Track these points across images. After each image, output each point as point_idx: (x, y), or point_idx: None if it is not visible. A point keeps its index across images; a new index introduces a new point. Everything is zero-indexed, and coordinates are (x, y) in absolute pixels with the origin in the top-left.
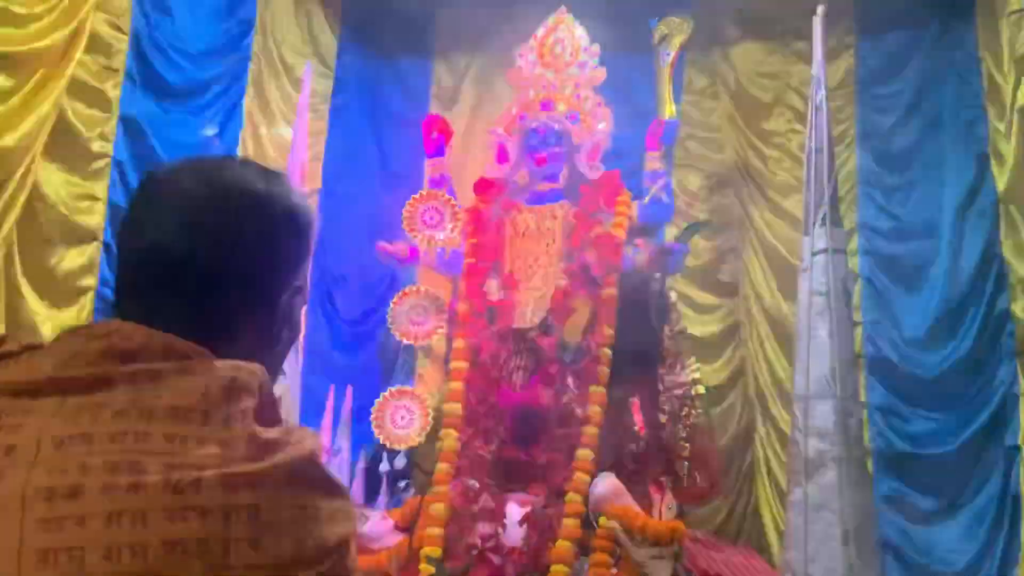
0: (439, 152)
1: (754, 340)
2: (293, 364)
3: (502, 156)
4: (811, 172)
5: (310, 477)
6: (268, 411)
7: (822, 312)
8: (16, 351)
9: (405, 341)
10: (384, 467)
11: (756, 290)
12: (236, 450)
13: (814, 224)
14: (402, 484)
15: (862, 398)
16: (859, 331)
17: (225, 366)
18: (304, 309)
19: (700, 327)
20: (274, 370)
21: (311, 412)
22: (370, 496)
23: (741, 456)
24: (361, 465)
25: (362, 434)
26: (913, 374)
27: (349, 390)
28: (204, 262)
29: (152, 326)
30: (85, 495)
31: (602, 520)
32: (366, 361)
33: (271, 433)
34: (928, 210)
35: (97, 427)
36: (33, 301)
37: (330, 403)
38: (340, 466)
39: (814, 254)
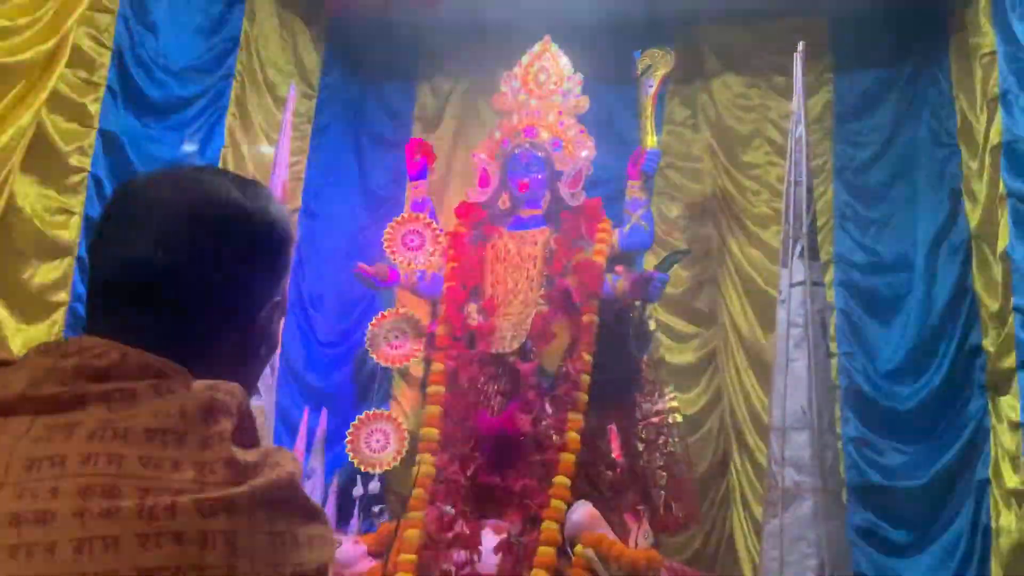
0: (421, 175)
1: (731, 369)
2: (268, 383)
3: (484, 181)
4: (790, 204)
5: (288, 501)
6: (246, 432)
7: (799, 343)
8: None
9: (382, 363)
10: (358, 491)
11: (733, 319)
12: (213, 474)
13: (792, 256)
14: (376, 509)
15: (838, 430)
16: (834, 362)
17: (202, 386)
18: (281, 324)
19: (677, 355)
20: (250, 387)
21: (285, 434)
22: (343, 520)
23: (716, 485)
24: (334, 488)
25: (336, 457)
26: (887, 406)
27: (324, 412)
28: (179, 278)
29: (125, 343)
30: (56, 521)
31: (578, 548)
32: (341, 383)
33: (249, 456)
34: (902, 244)
35: (69, 448)
36: (3, 314)
37: (304, 425)
38: (313, 489)
39: (792, 286)
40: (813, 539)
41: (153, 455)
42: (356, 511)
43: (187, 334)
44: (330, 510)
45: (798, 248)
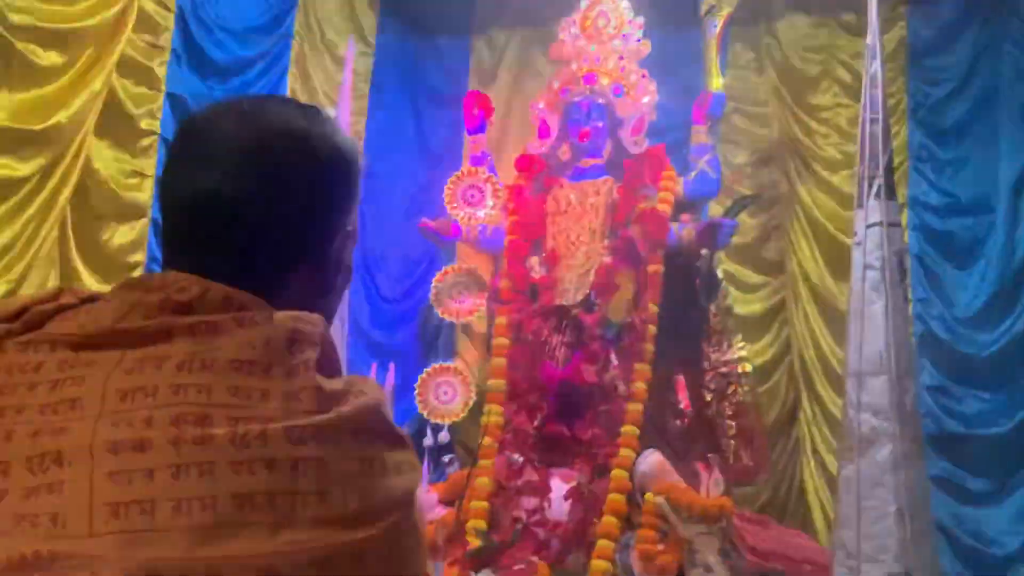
0: (480, 129)
1: (800, 319)
2: (339, 335)
3: (544, 131)
4: (865, 143)
5: (375, 428)
6: (330, 361)
7: (876, 286)
8: (74, 303)
9: (447, 318)
10: (428, 441)
11: (803, 267)
12: (300, 402)
13: (868, 197)
14: (446, 458)
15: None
16: (909, 309)
17: (285, 317)
18: (352, 254)
19: (745, 305)
20: (329, 318)
21: None
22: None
23: (786, 435)
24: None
25: (405, 411)
26: (965, 353)
27: (391, 368)
28: (251, 208)
29: (205, 277)
30: (153, 448)
31: (648, 496)
32: (406, 339)
33: (334, 384)
34: (982, 185)
35: (160, 379)
36: (86, 276)
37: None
38: None
39: (868, 227)
40: (891, 485)
41: (241, 385)
42: (427, 461)
43: (262, 267)
44: None
45: (874, 188)
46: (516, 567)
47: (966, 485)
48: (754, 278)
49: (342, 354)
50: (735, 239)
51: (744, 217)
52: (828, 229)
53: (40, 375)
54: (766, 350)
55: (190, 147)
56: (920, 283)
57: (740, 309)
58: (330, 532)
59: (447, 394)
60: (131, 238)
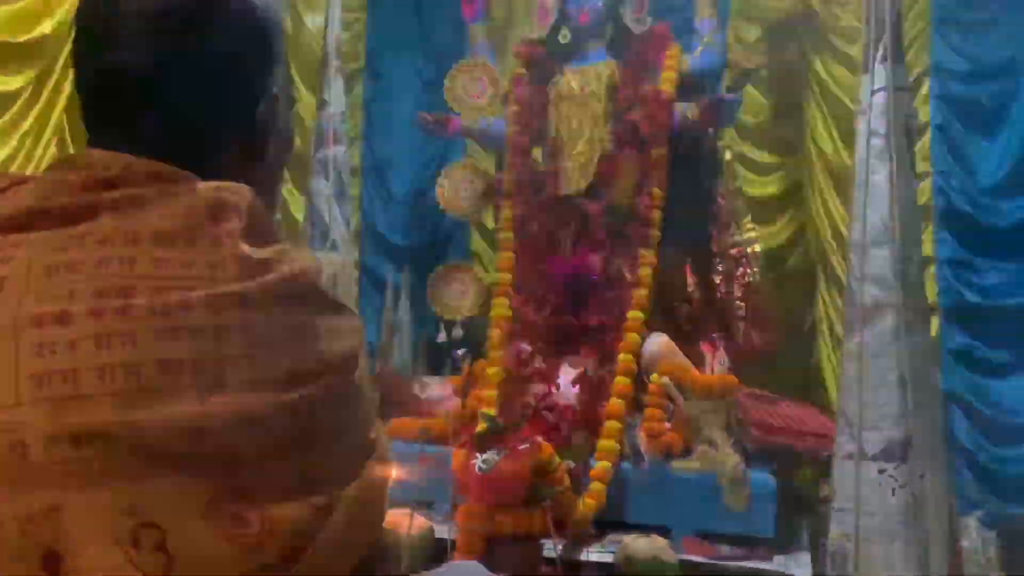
0: (479, 17)
1: (816, 198)
2: (345, 237)
3: (542, 15)
4: (871, 2)
5: (305, 295)
6: (258, 231)
7: (880, 155)
8: (4, 186)
9: (454, 215)
10: (442, 337)
11: (819, 146)
12: (224, 271)
13: (873, 61)
14: (459, 352)
15: (930, 252)
16: (929, 182)
17: (208, 187)
18: (290, 120)
19: (759, 188)
20: (267, 190)
21: (372, 291)
22: (435, 367)
23: (802, 316)
24: (424, 340)
25: (423, 312)
26: (987, 223)
27: (405, 269)
28: (165, 77)
29: (128, 152)
30: (74, 320)
31: (654, 377)
32: (421, 240)
33: (262, 253)
34: (1008, 48)
35: (84, 255)
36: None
37: (389, 283)
38: (403, 341)
39: (874, 93)
40: (894, 354)
41: (164, 256)
42: (444, 357)
43: (185, 136)
44: (422, 359)
45: (880, 51)
46: (521, 447)
47: (985, 357)
48: (769, 159)
49: (352, 255)
50: (749, 119)
51: (757, 96)
52: (845, 104)
53: None
54: (781, 232)
55: (93, 20)
56: (942, 155)
57: (755, 191)
58: (261, 394)
59: (459, 291)
60: None
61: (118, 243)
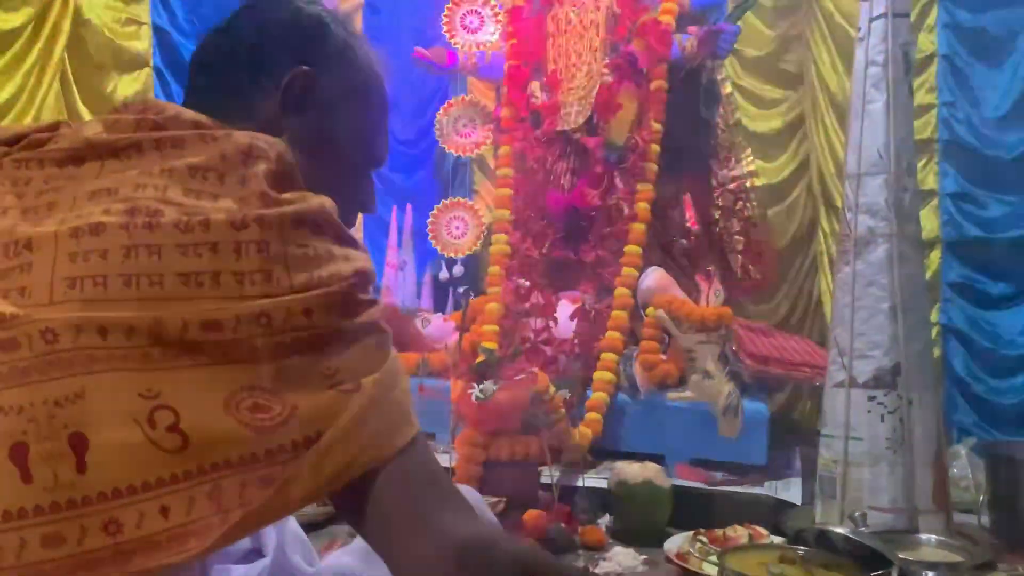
0: None
1: (819, 132)
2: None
3: None
4: None
5: (320, 225)
6: (284, 177)
7: (878, 83)
8: (54, 128)
9: (453, 152)
10: (444, 275)
11: (823, 78)
12: (248, 205)
13: None
14: (461, 290)
15: (934, 185)
16: (934, 113)
17: (243, 134)
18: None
19: (763, 122)
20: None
21: (376, 229)
22: (437, 304)
23: (804, 252)
24: (427, 279)
25: (426, 251)
26: (991, 156)
27: (408, 208)
28: (214, 50)
29: (187, 107)
30: (106, 232)
31: (649, 310)
32: (424, 180)
33: (285, 195)
34: None
35: (123, 181)
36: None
37: (393, 222)
38: (406, 280)
39: (872, 20)
40: (886, 284)
41: (195, 187)
42: (447, 295)
43: (224, 95)
44: (425, 298)
45: None
46: (517, 377)
47: (985, 289)
48: (773, 92)
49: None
50: (752, 51)
51: (760, 27)
52: (851, 34)
53: (29, 188)
54: (785, 167)
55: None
56: (947, 85)
57: (758, 126)
58: (276, 299)
59: (459, 228)
60: (135, 88)
61: (155, 174)
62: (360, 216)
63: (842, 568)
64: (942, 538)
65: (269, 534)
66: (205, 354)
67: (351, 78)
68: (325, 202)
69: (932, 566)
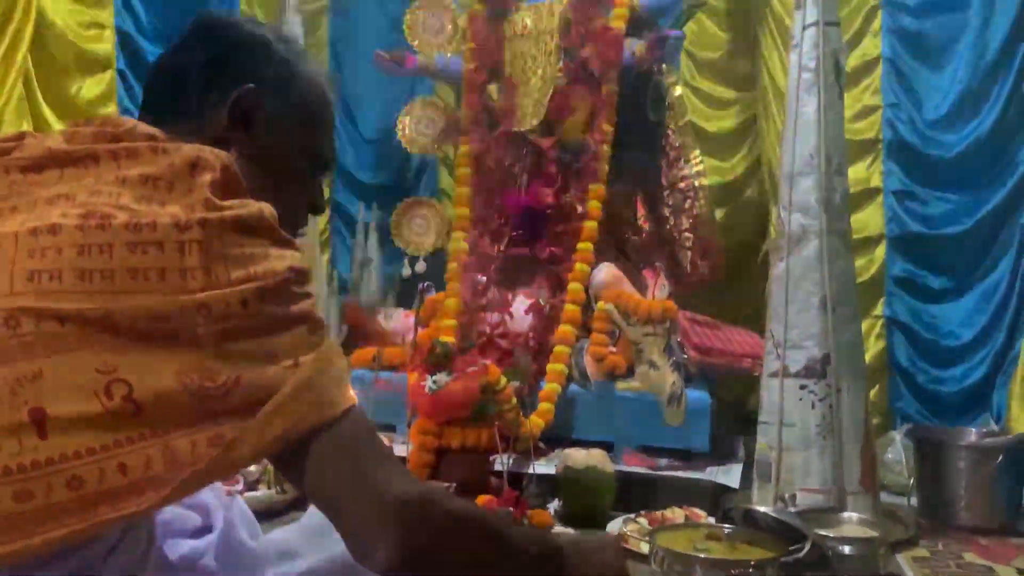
0: None
1: (771, 133)
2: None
3: None
4: None
5: (256, 227)
6: (229, 187)
7: (809, 88)
8: (19, 138)
9: (414, 152)
10: (406, 272)
11: (774, 80)
12: (194, 210)
13: None
14: (422, 286)
15: (879, 184)
16: (878, 115)
17: (191, 148)
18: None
19: (716, 123)
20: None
21: (343, 227)
22: (404, 302)
23: (757, 250)
24: (393, 275)
25: (393, 249)
26: (932, 155)
27: (374, 207)
28: (171, 67)
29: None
30: (63, 232)
31: (599, 304)
32: (390, 179)
33: (227, 202)
34: None
35: (80, 188)
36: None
37: (359, 220)
38: (371, 276)
39: (805, 28)
40: (817, 278)
41: (146, 194)
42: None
43: (178, 112)
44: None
45: None
46: (469, 369)
47: (927, 283)
48: (726, 94)
49: (325, 196)
50: (707, 54)
51: (715, 31)
52: None
53: None
54: (738, 166)
55: None
56: (891, 87)
57: (712, 126)
58: (214, 292)
59: (420, 226)
60: (99, 91)
61: (110, 182)
62: (327, 214)
63: (764, 543)
64: (864, 516)
65: (218, 512)
66: (154, 340)
67: (293, 94)
68: (264, 208)
69: (849, 541)
